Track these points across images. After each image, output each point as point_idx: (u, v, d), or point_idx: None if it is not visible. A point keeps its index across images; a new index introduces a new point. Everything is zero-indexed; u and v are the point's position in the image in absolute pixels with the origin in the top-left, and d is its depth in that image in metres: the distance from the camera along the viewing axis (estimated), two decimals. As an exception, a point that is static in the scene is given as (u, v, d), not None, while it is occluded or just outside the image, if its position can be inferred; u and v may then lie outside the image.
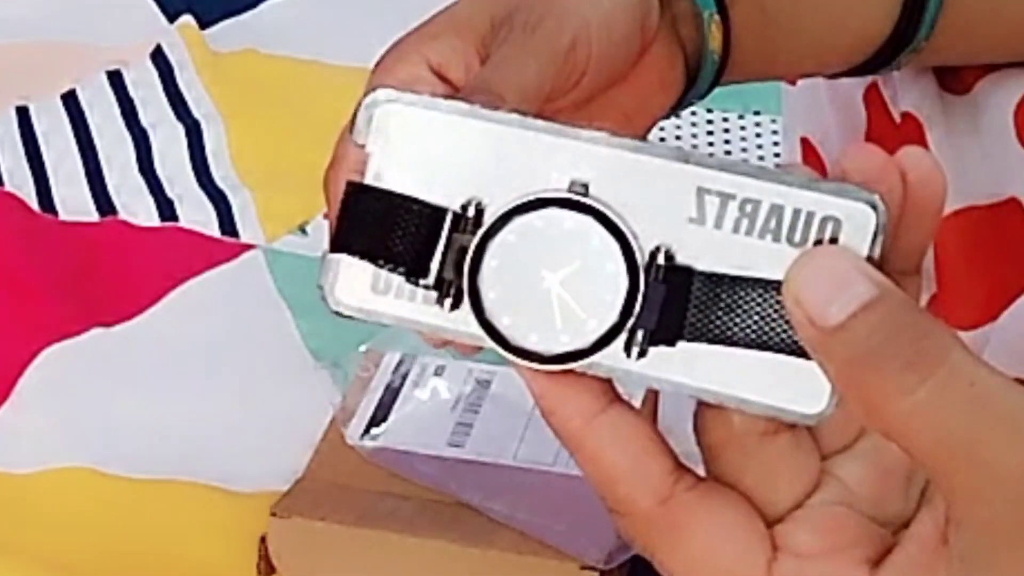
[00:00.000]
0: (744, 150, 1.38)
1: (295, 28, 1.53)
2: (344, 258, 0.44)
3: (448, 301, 0.43)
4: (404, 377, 1.05)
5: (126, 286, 1.22)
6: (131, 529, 1.04)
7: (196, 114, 1.40)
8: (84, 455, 1.08)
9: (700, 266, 0.42)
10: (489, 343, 0.43)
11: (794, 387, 0.42)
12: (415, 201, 0.43)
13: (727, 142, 1.38)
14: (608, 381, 0.44)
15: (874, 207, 0.41)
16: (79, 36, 1.51)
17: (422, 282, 0.43)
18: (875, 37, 0.71)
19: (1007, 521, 0.41)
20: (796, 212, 0.41)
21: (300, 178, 1.33)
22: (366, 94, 0.45)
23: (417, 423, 1.02)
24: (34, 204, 1.31)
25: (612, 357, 0.42)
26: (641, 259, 0.42)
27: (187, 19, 1.50)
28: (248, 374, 1.14)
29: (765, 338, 0.41)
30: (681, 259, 0.42)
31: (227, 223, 1.29)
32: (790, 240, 0.41)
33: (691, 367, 0.42)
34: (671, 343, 0.42)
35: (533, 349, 0.43)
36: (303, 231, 1.28)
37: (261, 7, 1.56)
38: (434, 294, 0.43)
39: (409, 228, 0.43)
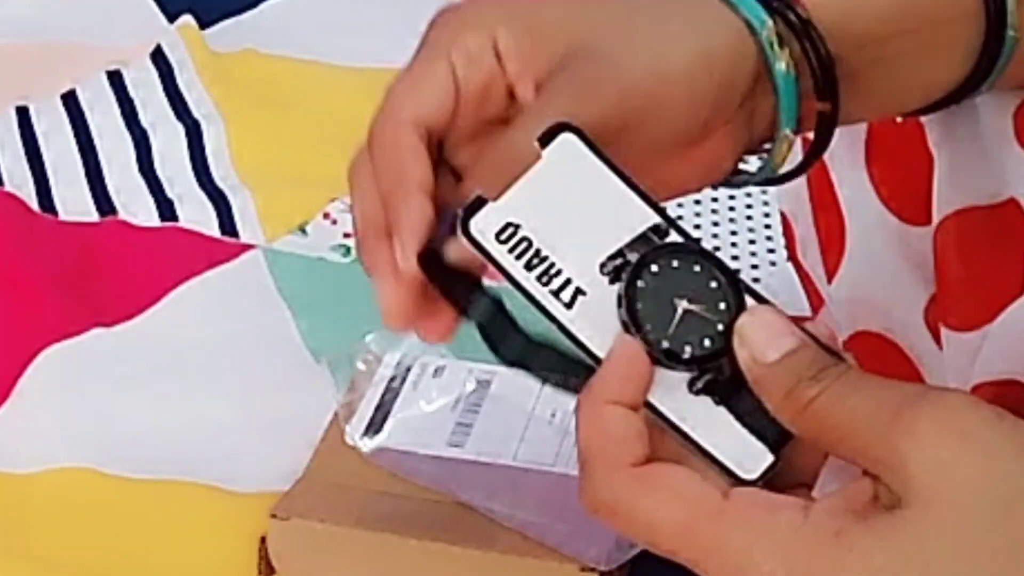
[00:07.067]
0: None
1: (295, 28, 1.53)
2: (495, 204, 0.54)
3: (566, 294, 0.54)
4: (404, 377, 1.05)
5: (126, 286, 1.22)
6: (131, 529, 1.04)
7: (196, 114, 1.40)
8: (84, 455, 1.08)
9: None
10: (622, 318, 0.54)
11: (748, 457, 0.54)
12: None
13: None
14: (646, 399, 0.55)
15: None
16: (79, 36, 1.51)
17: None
18: (942, 90, 0.70)
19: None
20: None
21: (300, 178, 1.33)
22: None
23: (417, 423, 1.02)
24: (34, 204, 1.31)
25: (675, 381, 0.54)
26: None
27: (187, 19, 1.51)
28: (248, 374, 1.14)
29: (754, 422, 0.54)
30: None
31: (227, 223, 1.29)
32: None
33: (705, 417, 0.55)
34: (717, 398, 0.54)
35: (646, 337, 0.54)
36: (303, 231, 1.28)
37: (261, 7, 1.56)
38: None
39: None
